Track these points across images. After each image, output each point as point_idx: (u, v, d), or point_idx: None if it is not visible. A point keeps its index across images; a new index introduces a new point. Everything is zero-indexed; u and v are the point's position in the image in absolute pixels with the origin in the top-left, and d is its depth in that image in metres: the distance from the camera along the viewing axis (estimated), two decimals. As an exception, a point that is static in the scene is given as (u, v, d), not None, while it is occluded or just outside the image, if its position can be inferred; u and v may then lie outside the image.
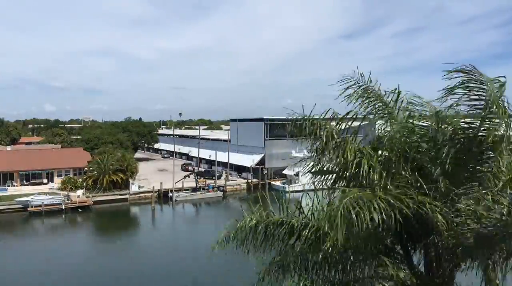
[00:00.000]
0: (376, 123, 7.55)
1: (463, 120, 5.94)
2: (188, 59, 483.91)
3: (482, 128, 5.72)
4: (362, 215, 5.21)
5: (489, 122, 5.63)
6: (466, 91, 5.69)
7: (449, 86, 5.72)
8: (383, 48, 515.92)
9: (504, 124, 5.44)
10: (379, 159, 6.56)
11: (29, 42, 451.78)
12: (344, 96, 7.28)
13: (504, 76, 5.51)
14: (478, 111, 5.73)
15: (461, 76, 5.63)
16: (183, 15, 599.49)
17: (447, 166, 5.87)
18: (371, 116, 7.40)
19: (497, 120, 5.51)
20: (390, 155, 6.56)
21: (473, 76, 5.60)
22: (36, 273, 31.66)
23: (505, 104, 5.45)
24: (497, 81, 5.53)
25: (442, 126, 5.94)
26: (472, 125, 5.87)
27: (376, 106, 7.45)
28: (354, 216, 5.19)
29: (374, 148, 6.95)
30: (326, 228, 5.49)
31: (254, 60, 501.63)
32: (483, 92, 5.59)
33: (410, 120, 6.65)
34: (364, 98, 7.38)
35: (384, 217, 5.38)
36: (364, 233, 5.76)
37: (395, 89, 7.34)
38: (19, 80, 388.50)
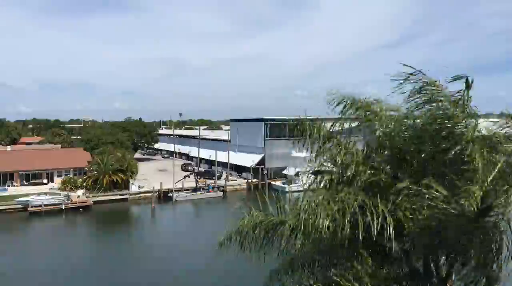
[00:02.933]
0: (364, 126, 7.75)
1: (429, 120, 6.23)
2: (234, 66, 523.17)
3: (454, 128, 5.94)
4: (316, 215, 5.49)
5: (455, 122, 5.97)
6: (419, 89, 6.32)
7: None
8: (414, 56, 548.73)
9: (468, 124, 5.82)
10: (367, 160, 6.73)
11: (109, 51, 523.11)
12: (337, 113, 7.60)
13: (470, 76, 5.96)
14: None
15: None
16: (244, 31, 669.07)
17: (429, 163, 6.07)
18: (358, 120, 7.61)
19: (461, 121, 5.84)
20: (380, 156, 6.73)
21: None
22: (36, 273, 31.68)
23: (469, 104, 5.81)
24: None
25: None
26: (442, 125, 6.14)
27: (364, 113, 7.65)
28: (312, 217, 5.52)
29: (369, 149, 7.09)
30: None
31: (294, 68, 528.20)
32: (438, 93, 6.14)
33: (396, 123, 6.87)
34: (352, 108, 7.62)
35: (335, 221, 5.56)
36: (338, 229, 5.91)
37: (378, 97, 7.73)
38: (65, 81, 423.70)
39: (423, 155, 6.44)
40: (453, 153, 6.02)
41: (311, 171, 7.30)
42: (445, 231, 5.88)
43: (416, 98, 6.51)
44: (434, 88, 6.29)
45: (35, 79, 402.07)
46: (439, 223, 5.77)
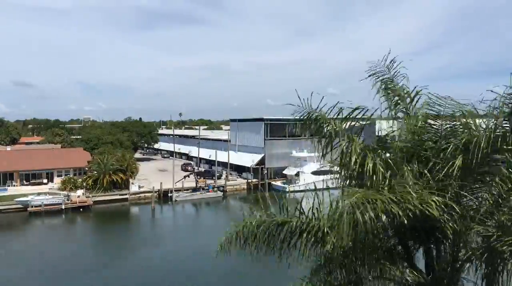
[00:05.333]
0: (382, 122, 7.52)
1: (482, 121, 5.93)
2: (273, 70, 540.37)
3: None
4: (367, 215, 5.10)
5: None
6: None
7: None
8: (436, 62, 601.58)
9: None
10: (384, 158, 6.49)
11: (165, 59, 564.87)
12: (371, 87, 7.40)
13: None
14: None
15: None
16: (288, 41, 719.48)
17: (454, 167, 5.83)
18: (380, 113, 7.36)
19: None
20: (395, 154, 6.49)
21: None
22: (36, 273, 31.65)
23: None
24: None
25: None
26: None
27: (394, 100, 7.46)
28: (359, 215, 5.08)
29: (380, 146, 6.88)
30: (326, 229, 5.41)
31: (329, 71, 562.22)
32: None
33: (423, 121, 6.64)
34: (385, 89, 7.45)
35: (388, 216, 5.31)
36: (365, 233, 5.70)
37: (416, 86, 7.37)
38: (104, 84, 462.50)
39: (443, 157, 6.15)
40: (482, 158, 5.71)
41: (321, 170, 7.17)
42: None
43: None
44: None
45: (78, 81, 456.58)
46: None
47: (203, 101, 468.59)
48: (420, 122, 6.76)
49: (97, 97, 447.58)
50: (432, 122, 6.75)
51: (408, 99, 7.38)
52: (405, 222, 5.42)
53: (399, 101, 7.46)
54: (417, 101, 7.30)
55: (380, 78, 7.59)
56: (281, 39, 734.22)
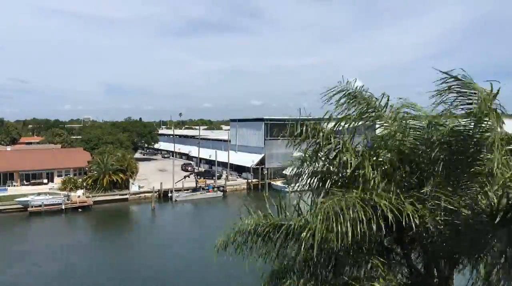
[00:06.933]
0: (368, 127, 7.58)
1: (457, 122, 6.03)
2: (292, 73, 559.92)
3: (477, 130, 5.77)
4: (341, 218, 5.35)
5: (482, 124, 5.73)
6: (458, 96, 5.92)
7: (439, 91, 5.99)
8: (450, 64, 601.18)
9: (496, 126, 5.54)
10: (375, 161, 6.59)
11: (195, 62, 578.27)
12: (332, 103, 7.30)
13: (499, 81, 5.67)
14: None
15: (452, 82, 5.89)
16: (312, 45, 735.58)
17: (440, 167, 5.93)
18: (363, 120, 7.40)
19: (489, 122, 5.59)
20: (386, 158, 6.61)
21: (462, 83, 5.82)
22: (36, 273, 31.68)
23: (496, 107, 5.61)
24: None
25: (435, 127, 6.06)
26: (467, 127, 5.96)
27: (365, 109, 7.46)
28: (332, 217, 5.35)
29: (372, 149, 6.98)
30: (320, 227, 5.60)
31: (346, 74, 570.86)
32: (475, 96, 5.77)
33: (403, 122, 6.75)
34: (352, 103, 7.39)
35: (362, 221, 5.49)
36: (360, 233, 5.79)
37: (383, 93, 7.42)
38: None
39: (432, 158, 6.22)
40: (471, 156, 5.80)
41: (310, 172, 7.26)
42: (460, 235, 5.83)
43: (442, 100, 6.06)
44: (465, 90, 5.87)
45: (104, 84, 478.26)
46: (455, 228, 5.73)
47: (211, 102, 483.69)
48: (398, 127, 6.85)
49: (120, 99, 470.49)
50: (416, 124, 6.86)
51: (381, 107, 7.40)
52: (383, 226, 5.57)
53: (368, 110, 7.43)
54: (391, 107, 7.33)
55: (346, 95, 7.49)
56: (306, 45, 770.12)
